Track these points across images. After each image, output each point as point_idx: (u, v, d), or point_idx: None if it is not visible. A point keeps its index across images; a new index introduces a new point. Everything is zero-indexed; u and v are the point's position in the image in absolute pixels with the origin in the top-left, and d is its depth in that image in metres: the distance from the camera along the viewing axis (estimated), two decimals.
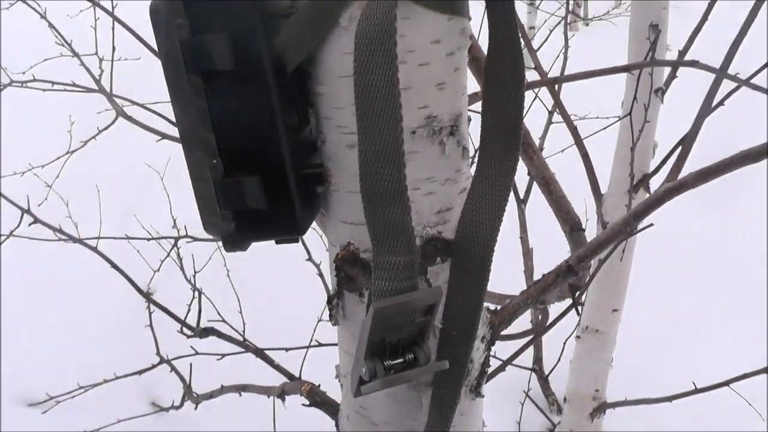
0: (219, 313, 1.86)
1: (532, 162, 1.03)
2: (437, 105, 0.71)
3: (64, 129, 2.39)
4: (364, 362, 0.68)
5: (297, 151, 0.71)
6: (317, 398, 0.95)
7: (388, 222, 0.65)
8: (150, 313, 2.06)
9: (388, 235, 0.65)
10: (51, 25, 2.19)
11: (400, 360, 0.70)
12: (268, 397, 1.33)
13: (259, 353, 1.71)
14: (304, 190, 0.72)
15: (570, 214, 1.04)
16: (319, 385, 1.01)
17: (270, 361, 1.68)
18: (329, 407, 0.92)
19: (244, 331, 1.82)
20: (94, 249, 1.94)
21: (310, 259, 1.86)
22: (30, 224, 2.02)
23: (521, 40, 0.74)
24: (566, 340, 2.17)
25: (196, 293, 1.96)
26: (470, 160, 0.79)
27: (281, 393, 1.18)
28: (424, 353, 0.71)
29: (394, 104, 0.62)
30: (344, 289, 0.77)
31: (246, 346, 1.73)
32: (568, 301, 1.07)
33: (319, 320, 1.86)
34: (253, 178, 0.68)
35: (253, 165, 0.69)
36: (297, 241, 0.76)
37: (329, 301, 0.79)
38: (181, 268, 2.14)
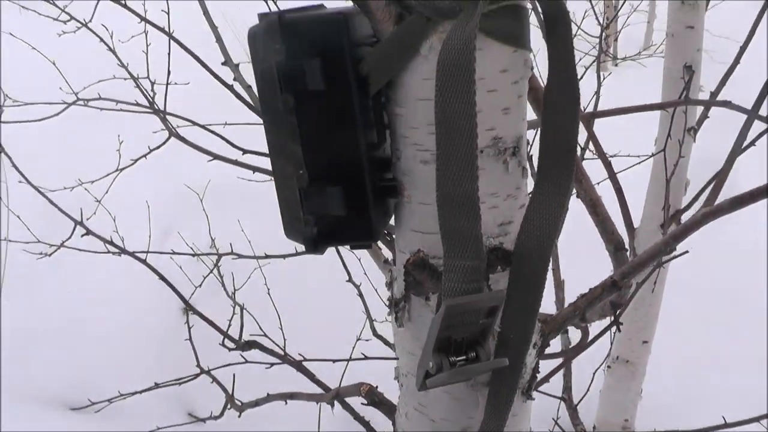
0: (261, 328, 1.94)
1: (581, 185, 1.11)
2: (502, 128, 0.79)
3: (115, 147, 2.49)
4: (432, 356, 0.75)
5: (374, 165, 0.79)
6: (375, 398, 1.01)
7: (460, 229, 0.72)
8: (189, 327, 2.13)
9: (460, 242, 0.73)
10: (110, 49, 2.29)
11: (463, 357, 0.77)
12: (317, 404, 1.39)
13: (299, 366, 1.77)
14: (378, 200, 0.80)
15: (614, 234, 1.11)
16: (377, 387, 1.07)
17: (310, 375, 1.74)
18: (386, 407, 0.99)
19: (284, 346, 1.88)
20: (144, 261, 2.02)
21: (350, 280, 1.93)
22: (82, 236, 2.11)
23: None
24: (596, 370, 2.22)
25: (237, 308, 2.03)
26: (528, 179, 0.87)
27: (335, 397, 1.24)
28: (485, 352, 0.78)
29: (471, 125, 0.70)
30: (411, 293, 0.84)
31: (287, 359, 1.79)
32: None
33: (358, 339, 1.93)
34: (335, 188, 0.76)
35: (334, 176, 0.77)
36: (370, 247, 0.83)
37: (395, 304, 0.86)
38: (222, 285, 2.22)
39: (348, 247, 0.85)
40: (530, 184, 0.85)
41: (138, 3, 2.32)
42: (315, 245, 0.78)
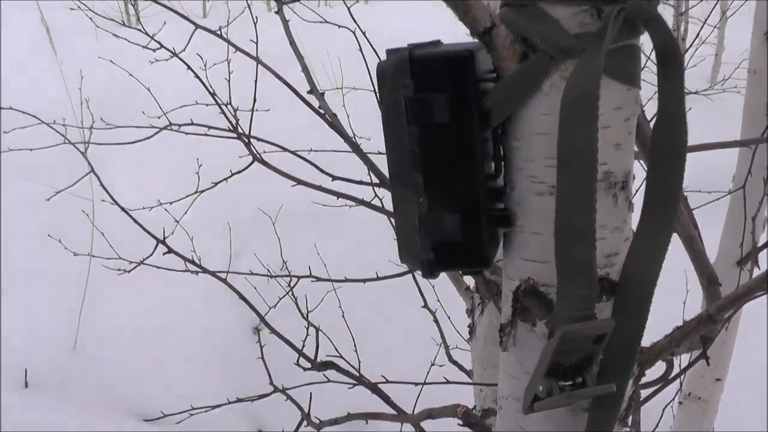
0: (336, 349, 1.98)
1: (678, 220, 1.13)
2: (614, 163, 0.82)
3: (196, 170, 2.58)
4: (542, 380, 0.79)
5: (488, 195, 0.83)
6: (472, 420, 1.04)
7: (576, 259, 0.76)
8: (261, 346, 2.18)
9: (575, 271, 0.76)
10: (197, 76, 2.38)
11: (570, 382, 0.80)
12: (401, 425, 1.42)
13: (375, 389, 1.80)
14: (491, 228, 0.84)
15: (708, 268, 1.13)
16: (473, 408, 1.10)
17: (386, 398, 1.77)
18: (481, 428, 1.02)
19: (359, 368, 1.92)
20: (224, 281, 2.09)
21: (425, 306, 1.97)
22: (164, 254, 2.19)
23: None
24: (666, 406, 2.20)
25: (311, 330, 2.08)
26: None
27: (426, 418, 1.27)
28: (591, 377, 0.81)
29: (592, 160, 0.73)
30: (518, 319, 0.87)
31: (363, 380, 1.83)
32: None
33: (432, 364, 1.95)
34: (454, 215, 0.80)
35: (452, 204, 0.81)
36: (481, 273, 0.87)
37: (501, 329, 0.90)
38: (297, 306, 2.26)
39: (460, 272, 0.88)
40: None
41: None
42: (431, 270, 0.82)
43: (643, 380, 1.21)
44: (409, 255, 0.85)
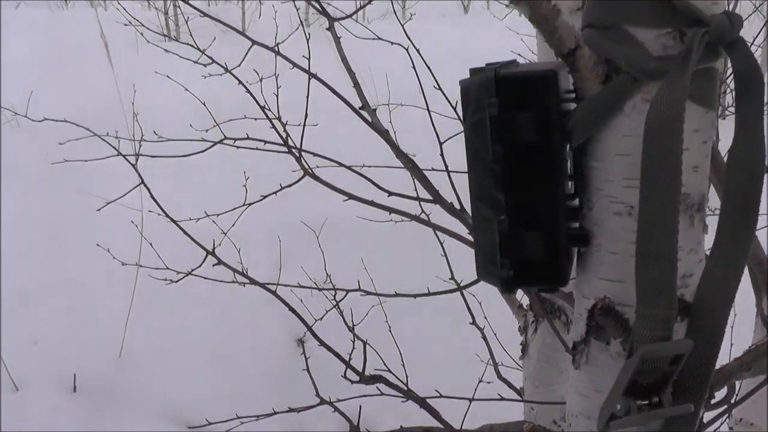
0: (384, 363, 1.99)
1: None
2: (691, 185, 0.83)
3: (245, 183, 2.61)
4: (620, 399, 0.79)
5: (566, 214, 0.84)
6: None
7: (656, 280, 0.76)
8: (306, 358, 2.20)
9: (655, 292, 0.77)
10: (248, 91, 2.41)
11: (646, 402, 0.81)
12: None
13: (423, 403, 1.81)
14: (568, 247, 0.85)
15: None
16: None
17: (435, 413, 1.78)
18: None
19: (407, 382, 1.93)
20: (273, 293, 2.11)
21: (474, 323, 1.97)
22: (213, 265, 2.22)
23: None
24: (715, 430, 2.18)
25: (357, 343, 2.09)
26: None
27: None
28: (667, 398, 0.81)
29: (676, 181, 0.74)
30: (592, 337, 0.88)
31: (411, 394, 1.83)
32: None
33: (480, 381, 1.95)
34: (535, 234, 0.82)
35: (533, 222, 0.82)
36: (557, 291, 0.88)
37: (574, 347, 0.90)
38: (343, 319, 2.28)
39: (536, 289, 0.90)
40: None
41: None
42: (509, 286, 0.84)
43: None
44: (487, 272, 0.86)
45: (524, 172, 0.81)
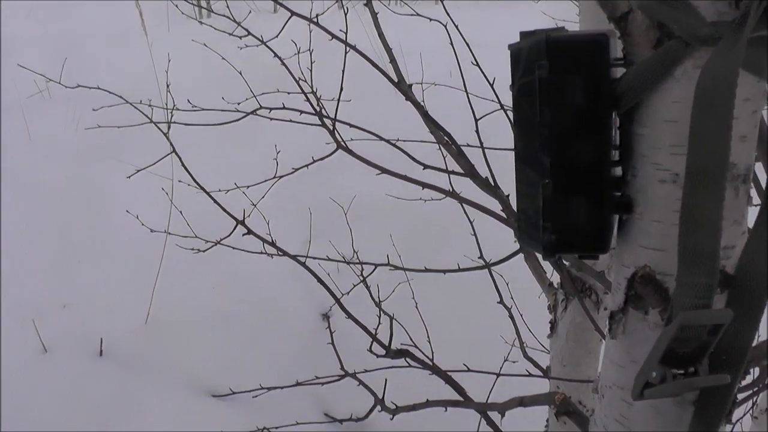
0: (411, 338, 1.99)
1: None
2: (738, 155, 0.82)
3: (280, 158, 2.62)
4: (656, 367, 0.79)
5: (611, 181, 0.84)
6: (570, 408, 1.05)
7: (699, 248, 0.76)
8: (331, 332, 2.21)
9: (697, 259, 0.76)
10: (283, 63, 2.41)
11: (682, 371, 0.81)
12: (484, 413, 1.43)
13: (449, 379, 1.81)
14: (611, 214, 0.85)
15: None
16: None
17: (460, 389, 1.78)
18: (578, 417, 1.02)
19: (432, 358, 1.93)
20: (303, 264, 2.12)
21: (501, 302, 1.97)
22: (243, 235, 2.23)
23: None
24: (740, 419, 2.17)
25: (383, 319, 2.10)
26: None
27: (516, 406, 1.27)
28: (704, 368, 0.81)
29: (725, 149, 0.73)
30: (631, 307, 0.88)
31: (437, 370, 1.84)
32: None
33: (505, 360, 1.95)
34: (580, 198, 0.81)
35: (577, 187, 0.82)
36: (597, 258, 0.88)
37: (611, 317, 0.90)
38: (370, 294, 2.28)
39: (577, 255, 0.89)
40: None
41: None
42: (551, 251, 0.83)
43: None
44: (529, 237, 0.86)
45: (571, 135, 0.80)
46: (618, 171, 0.87)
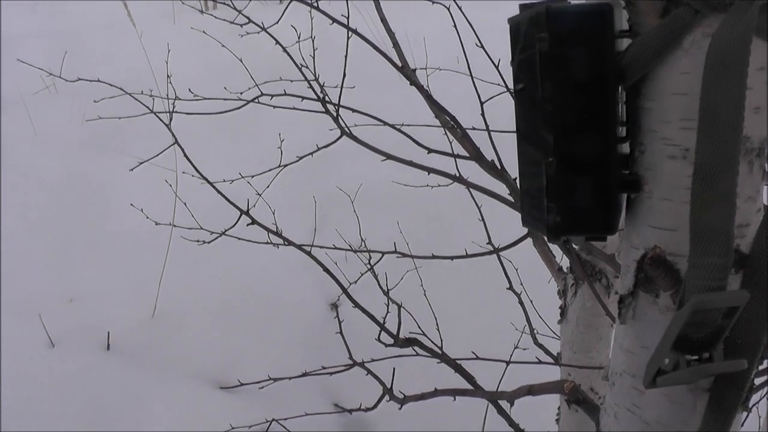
0: (419, 327, 1.96)
1: None
2: (752, 127, 0.78)
3: (285, 147, 2.58)
4: (669, 353, 0.75)
5: (618, 158, 0.80)
6: (579, 396, 1.01)
7: (712, 225, 0.72)
8: (339, 321, 2.18)
9: (710, 238, 0.72)
10: (285, 50, 2.38)
11: (696, 357, 0.77)
12: (493, 401, 1.40)
13: (458, 367, 1.78)
14: (618, 194, 0.81)
15: None
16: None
17: (469, 377, 1.75)
18: (588, 405, 0.99)
19: (441, 346, 1.90)
20: (309, 253, 2.09)
21: (510, 288, 1.93)
22: (248, 225, 2.20)
23: None
24: (756, 403, 2.12)
25: (392, 307, 2.06)
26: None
27: (525, 395, 1.24)
28: (718, 354, 0.77)
29: (738, 121, 0.69)
30: (640, 290, 0.84)
31: (445, 358, 1.81)
32: None
33: (515, 347, 1.92)
34: (585, 178, 0.78)
35: (582, 166, 0.78)
36: (605, 240, 0.84)
37: (621, 301, 0.86)
38: (378, 283, 2.25)
39: (583, 238, 0.86)
40: None
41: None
42: (556, 233, 0.80)
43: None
44: (533, 218, 0.82)
45: (575, 111, 0.76)
46: (625, 148, 0.83)
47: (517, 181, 1.59)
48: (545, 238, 0.83)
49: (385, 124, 1.86)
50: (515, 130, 0.82)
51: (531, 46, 0.76)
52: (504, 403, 1.65)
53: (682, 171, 0.77)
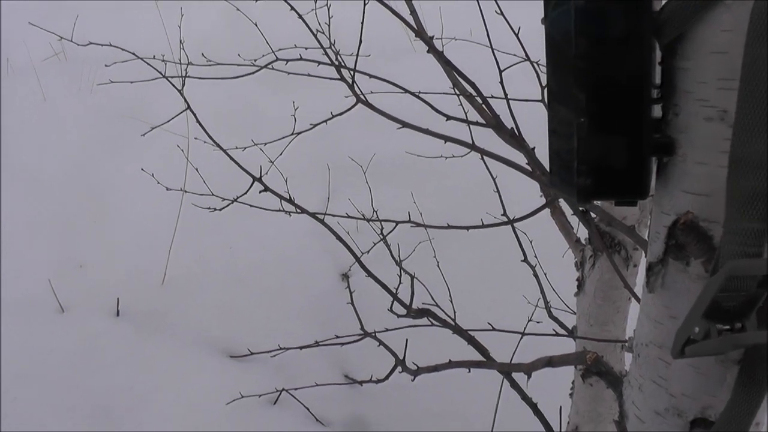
0: (432, 298, 1.94)
1: None
2: None
3: (295, 112, 2.55)
4: (699, 322, 0.73)
5: (651, 121, 0.77)
6: (602, 368, 0.99)
7: (749, 190, 0.69)
8: (351, 292, 2.16)
9: (747, 202, 0.69)
10: (300, 17, 2.33)
11: (728, 327, 0.74)
12: (507, 374, 1.38)
13: (471, 339, 1.76)
14: (650, 157, 0.78)
15: None
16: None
17: (482, 350, 1.73)
18: (610, 378, 0.97)
19: (454, 318, 1.88)
20: (322, 221, 2.07)
21: (525, 260, 1.91)
22: (260, 191, 2.17)
23: None
24: None
25: (404, 278, 2.04)
26: None
27: (544, 366, 1.22)
28: (752, 324, 0.74)
29: None
30: (671, 257, 0.81)
31: (459, 330, 1.78)
32: None
33: (529, 320, 1.90)
34: (617, 139, 0.75)
35: (616, 126, 0.75)
36: (635, 205, 0.81)
37: (650, 269, 0.84)
38: (391, 253, 2.23)
39: (613, 202, 0.83)
40: None
41: None
42: (586, 196, 0.77)
43: None
44: (561, 181, 0.79)
45: (609, 69, 0.73)
46: (657, 111, 0.80)
47: (535, 150, 1.56)
48: (571, 202, 0.80)
49: (402, 90, 1.83)
50: (545, 86, 0.79)
51: (565, 1, 0.72)
52: (518, 377, 1.63)
53: (718, 133, 0.74)
